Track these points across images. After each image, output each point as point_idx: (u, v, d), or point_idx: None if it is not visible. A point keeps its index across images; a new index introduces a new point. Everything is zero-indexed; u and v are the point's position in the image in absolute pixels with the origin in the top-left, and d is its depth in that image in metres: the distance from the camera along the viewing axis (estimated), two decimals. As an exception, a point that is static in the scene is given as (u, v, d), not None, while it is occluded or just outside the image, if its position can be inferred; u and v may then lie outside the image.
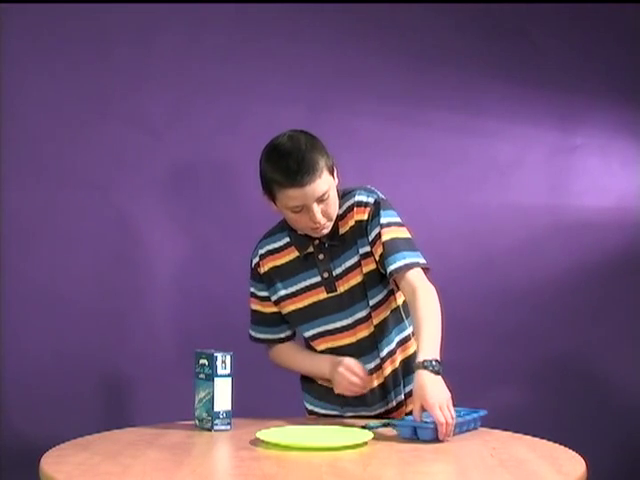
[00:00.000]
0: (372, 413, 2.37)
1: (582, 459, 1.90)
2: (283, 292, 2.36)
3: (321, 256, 2.31)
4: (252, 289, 2.44)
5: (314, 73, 3.14)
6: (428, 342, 2.13)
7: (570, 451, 1.99)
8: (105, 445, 2.03)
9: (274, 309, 2.40)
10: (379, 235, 2.26)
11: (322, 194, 2.20)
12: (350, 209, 2.30)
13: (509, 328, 3.23)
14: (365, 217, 2.29)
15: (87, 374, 2.91)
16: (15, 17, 2.87)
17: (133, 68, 2.99)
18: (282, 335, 2.44)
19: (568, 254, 3.33)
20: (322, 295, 2.32)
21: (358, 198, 2.30)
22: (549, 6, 3.33)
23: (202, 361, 2.22)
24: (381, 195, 2.33)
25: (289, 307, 2.37)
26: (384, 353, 2.34)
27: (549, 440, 2.12)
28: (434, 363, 2.08)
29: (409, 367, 2.30)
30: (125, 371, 2.96)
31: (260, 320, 2.44)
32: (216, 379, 2.19)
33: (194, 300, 3.03)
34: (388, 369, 2.35)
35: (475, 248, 3.23)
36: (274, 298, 2.39)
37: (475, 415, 2.22)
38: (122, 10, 2.96)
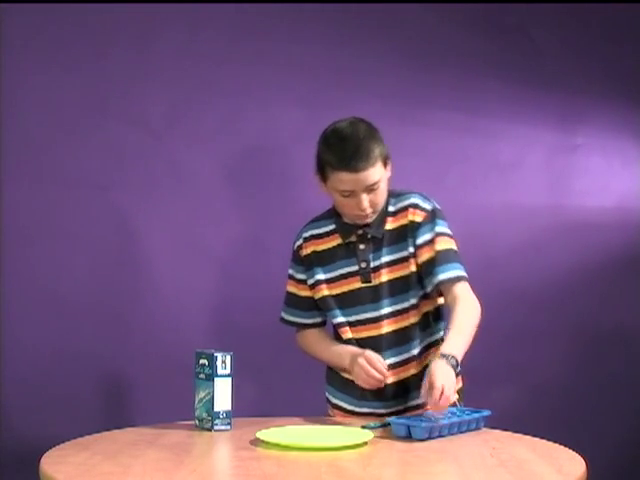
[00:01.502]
0: (387, 410, 2.36)
1: (582, 459, 1.90)
2: (320, 277, 2.39)
3: (362, 246, 2.35)
4: (291, 271, 2.47)
5: (314, 73, 3.14)
6: (454, 341, 2.20)
7: (570, 451, 1.99)
8: (105, 445, 2.03)
9: (308, 293, 2.43)
10: (432, 242, 2.31)
11: (373, 183, 2.25)
12: (404, 209, 2.35)
13: (509, 328, 3.23)
14: (419, 220, 2.33)
15: (87, 374, 2.91)
16: (15, 17, 2.87)
17: (133, 68, 2.99)
18: (310, 321, 2.46)
19: (569, 254, 3.34)
20: (357, 284, 2.35)
21: (415, 201, 2.35)
22: (549, 6, 3.33)
23: (202, 361, 2.22)
24: (437, 204, 2.37)
25: (323, 292, 2.39)
26: (407, 353, 2.35)
27: (549, 440, 2.12)
28: (451, 358, 2.13)
29: None
30: (125, 371, 2.96)
31: (293, 302, 2.47)
32: (216, 379, 2.19)
33: (194, 300, 3.03)
34: (411, 370, 2.35)
35: (475, 248, 3.22)
36: (310, 282, 2.42)
37: (477, 415, 2.22)
38: (122, 10, 2.96)
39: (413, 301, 2.34)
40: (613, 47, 3.37)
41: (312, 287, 2.42)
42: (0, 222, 2.87)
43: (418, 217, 2.33)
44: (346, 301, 2.37)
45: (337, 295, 2.38)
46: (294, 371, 2.99)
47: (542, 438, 2.14)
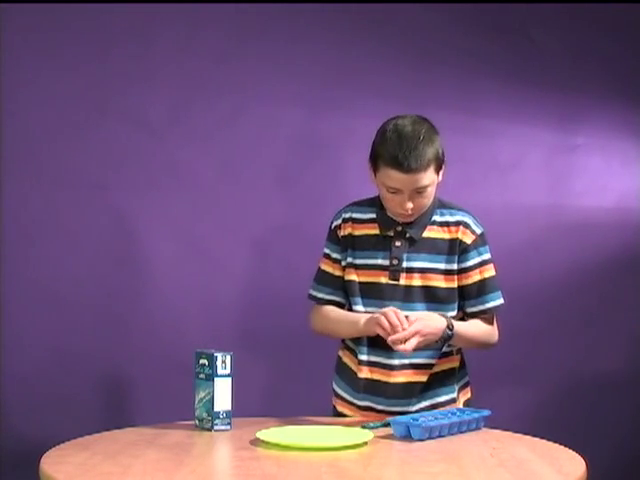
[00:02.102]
0: (386, 408, 2.35)
1: (582, 459, 1.91)
2: (351, 260, 2.38)
3: (398, 243, 2.34)
4: (327, 250, 2.44)
5: (314, 73, 3.14)
6: (461, 324, 2.31)
7: (570, 451, 1.99)
8: (105, 445, 2.03)
9: (342, 273, 2.41)
10: (481, 268, 2.36)
11: (421, 187, 2.25)
12: (454, 224, 2.35)
13: (509, 328, 3.22)
14: (468, 241, 2.34)
15: (87, 374, 2.92)
16: (15, 17, 2.87)
17: (133, 68, 2.99)
18: (338, 298, 2.43)
19: (568, 254, 3.33)
20: (382, 279, 2.35)
21: (467, 220, 2.36)
22: (549, 6, 3.32)
23: (202, 361, 2.22)
24: (484, 228, 2.40)
25: (351, 276, 2.39)
26: (418, 360, 2.34)
27: (549, 440, 2.12)
28: (451, 327, 2.25)
29: (440, 382, 2.36)
30: (125, 371, 2.96)
31: (326, 280, 2.43)
32: (216, 379, 2.19)
33: (194, 300, 3.03)
34: (420, 377, 2.34)
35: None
36: (344, 263, 2.40)
37: (476, 415, 2.22)
38: (122, 10, 2.96)
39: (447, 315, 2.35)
40: (613, 47, 3.37)
41: (344, 268, 2.41)
42: (0, 222, 2.87)
43: (468, 239, 2.34)
44: (369, 291, 2.36)
45: (363, 283, 2.37)
46: (294, 371, 3.00)
47: (542, 438, 2.14)
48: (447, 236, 2.35)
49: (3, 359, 2.85)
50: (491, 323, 2.42)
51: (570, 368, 3.31)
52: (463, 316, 2.39)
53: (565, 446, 2.04)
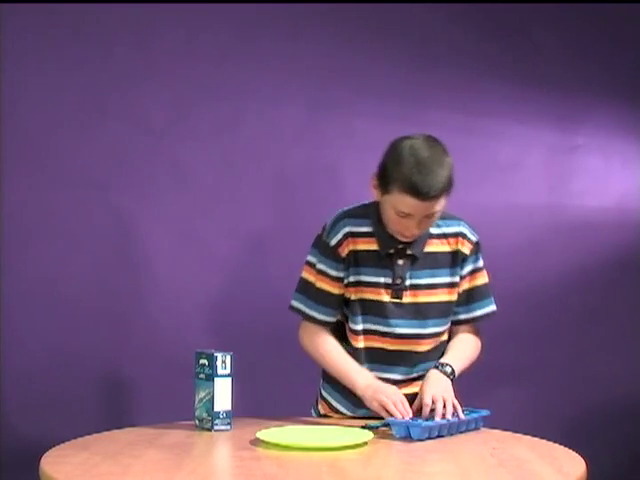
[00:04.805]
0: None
1: (582, 459, 1.91)
2: (354, 278, 2.30)
3: (401, 262, 2.29)
4: (321, 266, 2.31)
5: (314, 73, 3.14)
6: (452, 355, 2.31)
7: (570, 451, 1.99)
8: (105, 445, 2.03)
9: (341, 291, 2.32)
10: (474, 276, 2.35)
11: (433, 212, 2.20)
12: (453, 236, 2.32)
13: (508, 328, 3.22)
14: (466, 252, 2.32)
15: (87, 374, 2.91)
16: (15, 17, 2.87)
17: (133, 68, 2.99)
18: (337, 318, 2.35)
19: (568, 254, 3.34)
20: (385, 297, 2.29)
21: (464, 230, 2.33)
22: (549, 6, 3.33)
23: (202, 361, 2.22)
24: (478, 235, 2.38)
25: (352, 294, 2.31)
26: (415, 374, 2.33)
27: (549, 440, 2.12)
28: (447, 367, 2.23)
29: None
30: (125, 371, 2.96)
31: (324, 299, 2.32)
32: (216, 379, 2.19)
33: (194, 300, 3.03)
34: (410, 389, 2.32)
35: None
36: (346, 282, 2.32)
37: (475, 415, 2.22)
38: (122, 10, 2.96)
39: (446, 327, 2.35)
40: (613, 47, 3.37)
41: (347, 286, 2.32)
42: (0, 222, 2.87)
43: (466, 249, 2.32)
44: (370, 309, 2.30)
45: (361, 300, 2.31)
46: (294, 371, 2.99)
47: (542, 438, 2.14)
48: (448, 249, 2.32)
49: (3, 359, 2.85)
50: (476, 334, 2.40)
51: (570, 368, 3.31)
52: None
53: (565, 446, 2.04)
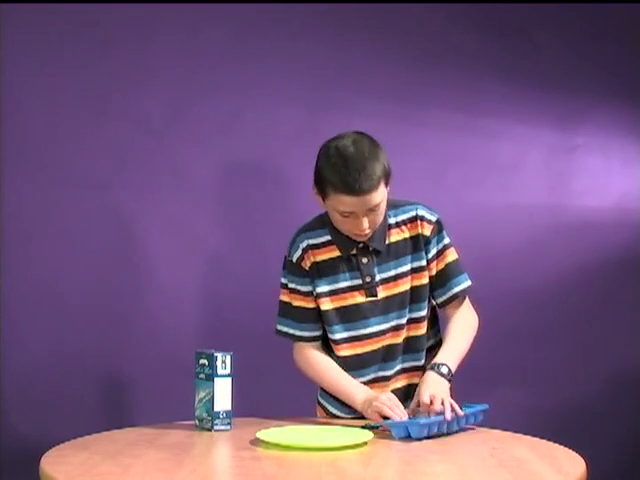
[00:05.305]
0: None
1: (582, 459, 1.90)
2: (322, 289, 2.32)
3: (365, 260, 2.30)
4: (292, 285, 2.35)
5: (314, 73, 3.14)
6: (447, 352, 2.28)
7: (570, 451, 1.99)
8: (105, 445, 2.03)
9: (315, 304, 2.34)
10: (443, 255, 2.33)
11: (375, 205, 2.20)
12: (411, 221, 2.32)
13: (508, 328, 3.23)
14: (427, 233, 2.32)
15: (87, 374, 2.91)
16: (15, 17, 2.87)
17: (133, 68, 2.98)
18: (320, 332, 2.37)
19: (568, 254, 3.34)
20: (360, 298, 2.31)
21: (421, 213, 2.32)
22: (549, 6, 3.33)
23: (202, 361, 2.22)
24: (438, 213, 2.36)
25: (325, 305, 2.33)
26: (406, 365, 2.34)
27: (549, 440, 2.12)
28: (443, 367, 2.21)
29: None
30: (125, 371, 2.96)
31: (303, 316, 2.35)
32: (216, 379, 2.19)
33: (194, 300, 3.03)
34: (415, 379, 2.33)
35: (475, 248, 3.21)
36: (314, 294, 2.34)
37: (474, 409, 2.22)
38: (122, 10, 2.96)
39: (424, 312, 2.34)
40: (613, 47, 3.37)
41: (316, 298, 2.34)
42: (0, 222, 2.87)
43: (427, 230, 2.31)
44: (348, 315, 2.32)
45: (340, 308, 2.32)
46: (294, 371, 2.99)
47: (542, 438, 2.14)
48: (407, 235, 2.32)
49: (3, 359, 2.85)
50: (465, 308, 2.37)
51: (570, 368, 3.31)
52: (434, 308, 2.38)
53: (565, 446, 2.04)
